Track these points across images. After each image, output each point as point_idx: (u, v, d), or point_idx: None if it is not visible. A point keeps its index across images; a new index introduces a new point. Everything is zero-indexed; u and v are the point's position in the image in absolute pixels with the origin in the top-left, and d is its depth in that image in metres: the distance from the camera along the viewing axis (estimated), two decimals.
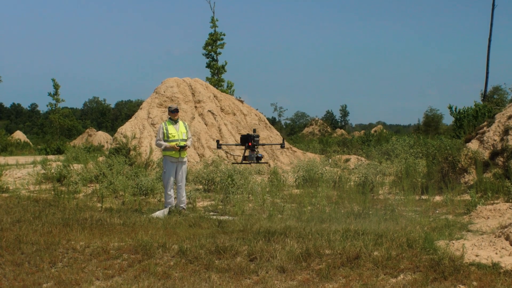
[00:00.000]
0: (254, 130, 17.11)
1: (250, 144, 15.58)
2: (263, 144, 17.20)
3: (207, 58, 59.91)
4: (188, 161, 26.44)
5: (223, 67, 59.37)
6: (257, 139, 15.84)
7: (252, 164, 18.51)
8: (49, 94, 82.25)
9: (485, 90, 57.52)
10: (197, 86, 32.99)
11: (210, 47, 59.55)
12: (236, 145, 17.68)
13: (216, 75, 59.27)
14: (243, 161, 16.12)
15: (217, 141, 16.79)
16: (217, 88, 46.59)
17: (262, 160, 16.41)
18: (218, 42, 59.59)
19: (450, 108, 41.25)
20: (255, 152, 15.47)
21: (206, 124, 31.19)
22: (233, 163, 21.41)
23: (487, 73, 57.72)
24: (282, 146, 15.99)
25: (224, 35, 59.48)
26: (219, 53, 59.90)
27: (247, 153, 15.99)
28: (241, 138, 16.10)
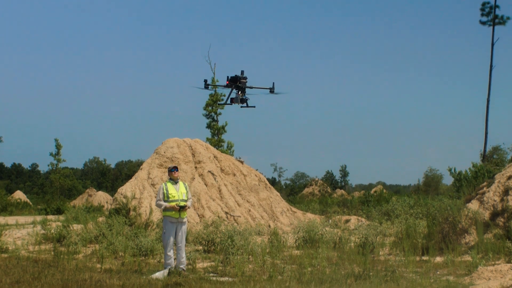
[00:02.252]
0: (242, 72, 16.79)
1: (238, 83, 15.33)
2: (250, 87, 16.92)
3: (207, 118, 60.27)
4: (188, 222, 26.39)
5: (223, 127, 59.66)
6: (245, 81, 15.56)
7: (235, 104, 18.01)
8: (51, 154, 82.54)
9: (485, 150, 57.69)
10: (197, 147, 33.13)
11: (210, 108, 59.96)
12: (224, 86, 17.40)
13: (216, 135, 59.52)
14: (227, 103, 15.83)
15: (205, 81, 16.40)
16: (217, 149, 46.76)
17: (249, 104, 16.04)
18: (218, 103, 60.01)
19: (450, 170, 41.32)
20: (241, 94, 15.22)
21: (206, 185, 31.22)
22: (219, 104, 20.79)
23: (486, 133, 58.02)
24: (272, 91, 15.69)
25: (224, 95, 59.90)
26: (219, 114, 60.27)
27: (238, 96, 15.67)
28: (230, 79, 15.77)
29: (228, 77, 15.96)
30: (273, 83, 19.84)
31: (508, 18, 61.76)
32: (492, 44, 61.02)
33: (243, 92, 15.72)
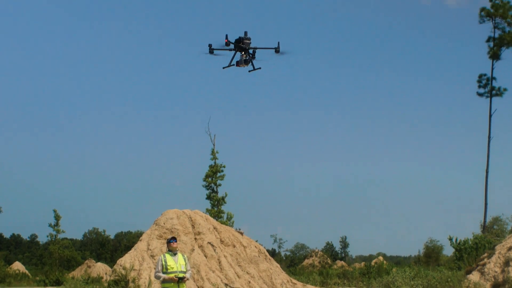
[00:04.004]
0: (245, 33, 16.61)
1: (241, 44, 15.15)
2: (254, 48, 16.72)
3: (207, 189, 60.34)
4: None
5: (223, 198, 59.70)
6: (248, 41, 15.38)
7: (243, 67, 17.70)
8: (50, 225, 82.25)
9: (485, 221, 57.67)
10: (197, 218, 33.18)
11: (210, 179, 60.11)
12: (229, 49, 17.20)
13: (216, 206, 59.51)
14: (231, 64, 15.62)
15: (209, 45, 16.20)
16: (217, 220, 46.73)
17: (255, 65, 15.72)
18: (218, 174, 60.21)
19: (450, 239, 41.26)
20: (245, 56, 15.08)
21: (205, 256, 31.15)
22: (223, 68, 20.32)
23: (486, 203, 58.11)
24: (277, 50, 15.51)
25: (224, 166, 60.21)
26: (219, 185, 60.38)
27: (242, 58, 15.45)
28: (234, 41, 15.53)
29: (226, 35, 15.95)
30: (278, 42, 19.50)
31: (505, 89, 62.60)
32: (490, 116, 61.70)
33: (247, 53, 15.68)
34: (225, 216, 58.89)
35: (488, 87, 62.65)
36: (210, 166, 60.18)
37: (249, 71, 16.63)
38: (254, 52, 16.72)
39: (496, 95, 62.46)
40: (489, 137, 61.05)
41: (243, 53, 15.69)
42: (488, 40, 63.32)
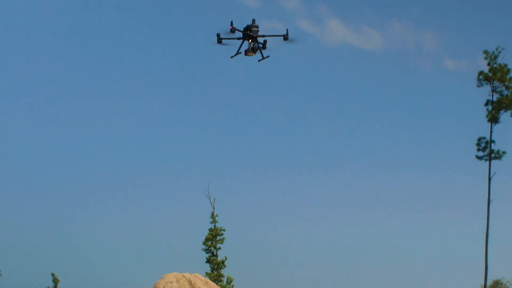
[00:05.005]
0: (253, 21, 16.31)
1: (249, 32, 14.84)
2: (263, 35, 16.43)
3: (207, 253, 59.98)
4: None
5: (223, 262, 59.31)
6: (256, 29, 15.06)
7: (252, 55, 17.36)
8: None
9: (485, 284, 57.20)
10: (196, 282, 32.92)
11: (210, 242, 59.80)
12: (237, 38, 16.89)
13: (215, 270, 59.07)
14: (239, 52, 15.29)
15: (218, 35, 15.87)
16: (216, 284, 46.38)
17: (263, 53, 15.32)
18: (218, 237, 59.95)
19: None
20: (253, 43, 14.75)
21: None
22: (231, 57, 19.80)
23: (486, 266, 57.77)
24: (286, 38, 15.16)
25: (224, 230, 59.99)
26: (219, 248, 60.04)
27: (250, 46, 15.09)
28: (243, 30, 15.17)
29: (231, 22, 15.75)
30: (287, 29, 19.21)
31: (504, 152, 62.74)
32: (489, 179, 61.78)
33: (255, 41, 15.49)
34: (225, 279, 58.44)
35: (487, 150, 62.80)
36: (210, 230, 59.95)
37: (259, 60, 16.56)
38: (265, 42, 16.68)
39: (495, 158, 62.58)
40: (488, 200, 61.05)
41: (250, 41, 15.60)
42: (486, 104, 63.79)
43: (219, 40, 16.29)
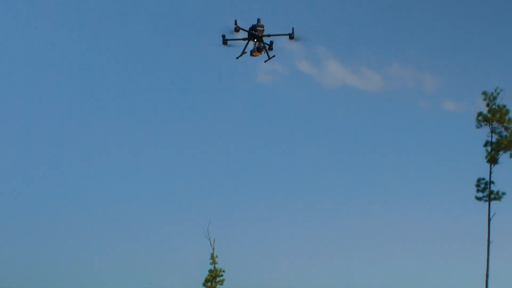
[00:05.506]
0: (258, 20, 16.14)
1: (254, 31, 14.62)
2: (268, 35, 16.25)
3: None
4: None
5: None
6: (261, 28, 14.83)
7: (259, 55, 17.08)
8: None
9: None
10: None
11: (209, 283, 59.55)
12: (242, 39, 16.71)
13: None
14: (244, 52, 15.11)
15: (223, 36, 15.69)
16: None
17: (269, 52, 15.04)
18: (218, 278, 59.73)
19: None
20: (258, 43, 14.56)
21: None
22: (237, 58, 19.48)
23: None
24: (292, 36, 14.97)
25: (223, 271, 59.83)
26: None
27: (255, 46, 14.85)
28: (248, 29, 14.94)
29: (236, 21, 15.64)
30: (293, 28, 18.99)
31: (503, 193, 62.71)
32: (489, 220, 61.69)
33: (260, 40, 15.34)
34: None
35: (487, 191, 62.79)
36: (210, 271, 59.87)
37: (265, 61, 16.41)
38: (271, 43, 16.50)
39: (495, 199, 62.54)
40: (488, 241, 60.92)
41: (255, 40, 15.50)
42: (485, 145, 63.94)
43: (225, 41, 16.22)
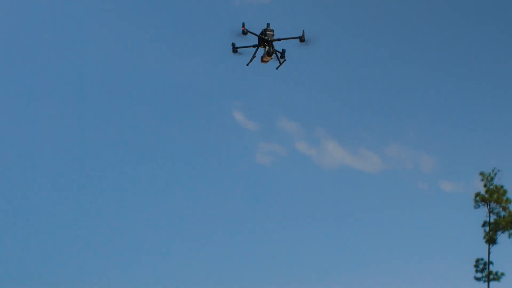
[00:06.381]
0: (268, 24, 15.82)
1: (264, 36, 14.38)
2: (278, 39, 15.93)
3: None
4: None
5: None
6: (271, 32, 14.55)
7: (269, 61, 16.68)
8: None
9: None
10: None
11: None
12: (252, 46, 16.41)
13: None
14: (255, 56, 14.78)
15: (232, 44, 15.41)
16: None
17: (279, 57, 14.71)
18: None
19: None
20: (268, 47, 14.31)
21: None
22: (247, 64, 18.99)
23: None
24: (302, 39, 14.69)
25: None
26: None
27: (265, 50, 14.60)
28: (258, 35, 14.61)
29: (243, 23, 15.54)
30: (303, 30, 18.60)
31: (502, 274, 62.64)
32: None
33: (270, 45, 15.20)
34: None
35: (485, 272, 62.66)
36: None
37: (276, 67, 16.29)
38: (283, 51, 16.39)
39: (494, 279, 62.39)
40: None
41: (265, 44, 15.49)
42: (483, 225, 64.16)
43: (235, 50, 16.20)
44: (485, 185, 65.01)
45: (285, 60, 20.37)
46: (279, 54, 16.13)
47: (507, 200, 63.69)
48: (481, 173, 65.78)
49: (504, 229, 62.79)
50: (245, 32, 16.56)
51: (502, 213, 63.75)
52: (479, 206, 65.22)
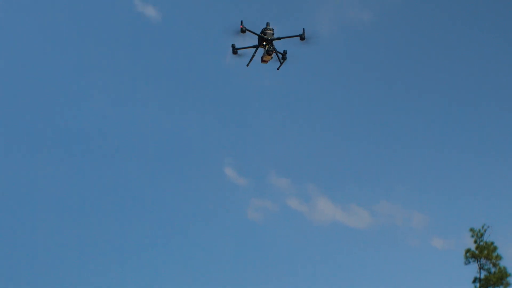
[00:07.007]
0: (268, 24, 15.79)
1: (264, 35, 14.32)
2: (278, 38, 15.89)
3: None
4: None
5: None
6: (271, 31, 14.51)
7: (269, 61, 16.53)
8: None
9: None
10: None
11: None
12: (252, 46, 16.35)
13: None
14: (254, 55, 14.70)
15: (232, 45, 15.39)
16: None
17: (278, 55, 14.57)
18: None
19: None
20: (268, 46, 14.26)
21: None
22: (247, 65, 18.77)
23: None
24: (303, 37, 14.67)
25: None
26: None
27: (265, 50, 14.53)
28: (258, 34, 14.54)
29: (241, 21, 15.57)
30: (303, 28, 18.51)
31: None
32: None
33: (270, 44, 15.19)
34: None
35: None
36: None
37: (278, 68, 16.28)
38: (285, 53, 16.35)
39: None
40: None
41: (265, 43, 15.51)
42: (474, 281, 64.10)
43: (235, 51, 16.26)
44: (475, 241, 65.20)
45: (285, 59, 20.56)
46: (280, 55, 16.33)
47: (498, 256, 63.83)
48: (471, 229, 66.00)
49: (494, 285, 62.74)
50: (243, 30, 16.81)
51: (493, 269, 63.79)
52: (469, 263, 65.29)
